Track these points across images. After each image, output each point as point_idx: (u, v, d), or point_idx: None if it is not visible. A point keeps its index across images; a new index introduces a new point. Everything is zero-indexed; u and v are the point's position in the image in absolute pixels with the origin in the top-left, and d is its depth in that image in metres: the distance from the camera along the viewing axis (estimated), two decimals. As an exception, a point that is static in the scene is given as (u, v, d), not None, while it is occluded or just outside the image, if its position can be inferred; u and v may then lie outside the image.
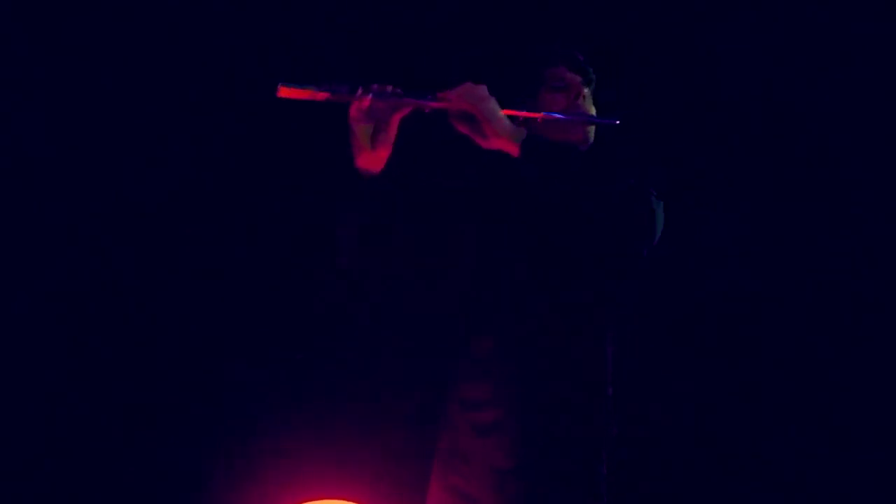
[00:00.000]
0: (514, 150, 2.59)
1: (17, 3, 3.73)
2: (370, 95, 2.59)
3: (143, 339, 3.82)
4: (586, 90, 2.76)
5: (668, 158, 3.83)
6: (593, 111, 2.77)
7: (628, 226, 2.57)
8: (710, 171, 3.88)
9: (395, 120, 2.64)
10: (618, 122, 2.73)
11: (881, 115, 3.81)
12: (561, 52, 2.77)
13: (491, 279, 2.70)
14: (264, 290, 3.84)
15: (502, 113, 2.61)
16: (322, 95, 2.57)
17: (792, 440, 3.84)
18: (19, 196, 3.74)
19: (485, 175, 2.76)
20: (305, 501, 3.63)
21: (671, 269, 3.81)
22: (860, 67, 3.79)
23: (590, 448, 2.66)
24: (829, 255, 3.83)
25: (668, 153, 3.84)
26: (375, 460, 3.77)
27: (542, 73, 2.74)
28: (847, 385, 3.82)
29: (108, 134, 3.80)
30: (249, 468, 3.78)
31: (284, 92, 2.55)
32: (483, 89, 2.62)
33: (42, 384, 3.75)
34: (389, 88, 2.61)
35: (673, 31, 3.86)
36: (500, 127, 2.59)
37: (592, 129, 2.75)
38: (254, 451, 3.79)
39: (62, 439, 3.74)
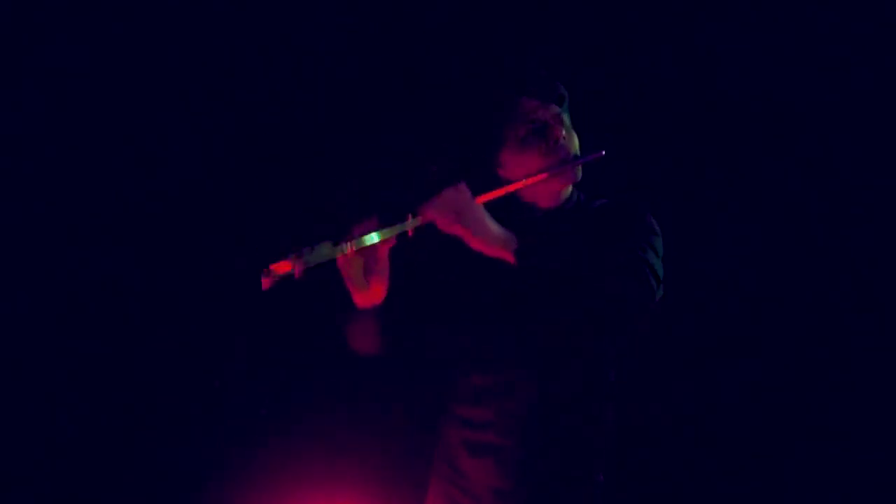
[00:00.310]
0: (508, 257, 2.53)
1: (17, 2, 3.73)
2: (352, 244, 2.53)
3: (143, 340, 3.82)
4: (564, 117, 2.70)
5: (667, 159, 3.83)
6: (574, 138, 2.71)
7: (629, 300, 2.52)
8: (709, 170, 3.87)
9: (384, 252, 2.59)
10: (603, 153, 2.67)
11: (882, 114, 3.80)
12: (526, 80, 2.70)
13: (496, 320, 2.68)
14: (265, 292, 3.83)
15: (486, 215, 2.53)
16: (304, 268, 2.49)
17: (792, 441, 3.83)
18: (19, 196, 3.74)
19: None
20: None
21: (671, 270, 3.80)
22: (860, 68, 3.79)
23: (588, 464, 2.68)
24: (829, 255, 3.83)
25: (668, 155, 3.84)
26: (374, 465, 3.77)
27: (514, 111, 2.67)
28: (847, 385, 3.81)
29: (108, 134, 3.80)
30: (249, 472, 3.78)
31: (268, 280, 2.49)
32: (463, 193, 2.54)
33: (42, 384, 3.75)
34: (368, 226, 2.55)
35: (671, 31, 3.85)
36: (490, 239, 2.52)
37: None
38: (253, 455, 3.80)
39: (62, 439, 3.74)
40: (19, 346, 3.74)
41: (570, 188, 2.77)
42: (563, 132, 2.68)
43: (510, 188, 2.64)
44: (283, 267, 2.49)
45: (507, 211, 2.63)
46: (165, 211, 3.83)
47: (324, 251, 2.53)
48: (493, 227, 2.54)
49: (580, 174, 2.71)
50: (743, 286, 3.84)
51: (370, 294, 2.60)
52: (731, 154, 3.87)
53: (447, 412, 2.75)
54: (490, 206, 2.59)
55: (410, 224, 2.55)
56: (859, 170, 3.79)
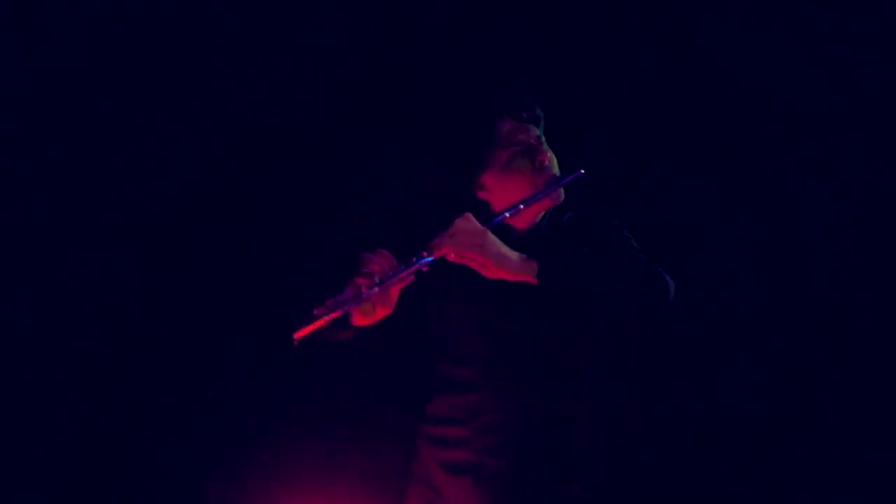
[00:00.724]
0: (531, 280, 2.55)
1: (16, 3, 3.73)
2: (375, 290, 2.52)
3: (143, 340, 3.82)
4: (544, 140, 2.72)
5: (667, 160, 3.83)
6: (554, 158, 2.72)
7: (653, 300, 2.56)
8: (708, 170, 3.87)
9: (397, 289, 2.58)
10: (583, 171, 2.69)
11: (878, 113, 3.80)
12: (505, 102, 2.72)
13: (480, 337, 2.68)
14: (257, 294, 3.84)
15: (500, 243, 2.55)
16: (333, 315, 2.50)
17: (792, 441, 3.83)
18: (19, 196, 3.74)
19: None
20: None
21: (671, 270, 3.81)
22: (857, 67, 3.79)
23: (567, 478, 2.67)
24: (829, 255, 3.83)
25: (667, 156, 3.84)
26: (364, 470, 3.77)
27: (494, 134, 2.69)
28: (847, 385, 3.81)
29: (107, 134, 3.80)
30: (247, 472, 3.78)
31: (301, 334, 2.50)
32: (473, 223, 2.56)
33: (42, 384, 3.74)
34: (386, 265, 2.54)
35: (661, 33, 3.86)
36: (511, 267, 2.54)
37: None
38: (252, 455, 3.80)
39: (62, 439, 3.74)
40: (19, 346, 3.73)
41: None
42: (548, 153, 2.70)
43: (510, 215, 2.64)
44: (311, 324, 2.51)
45: None
46: (165, 211, 3.83)
47: (347, 300, 2.54)
48: (510, 253, 2.56)
49: (563, 194, 2.72)
50: (742, 287, 3.85)
51: (371, 318, 2.60)
52: (730, 153, 3.87)
53: (421, 432, 2.75)
54: None
55: (428, 259, 2.56)
56: (859, 170, 3.79)
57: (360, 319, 2.59)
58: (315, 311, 2.51)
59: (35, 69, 3.74)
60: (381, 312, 2.59)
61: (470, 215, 2.57)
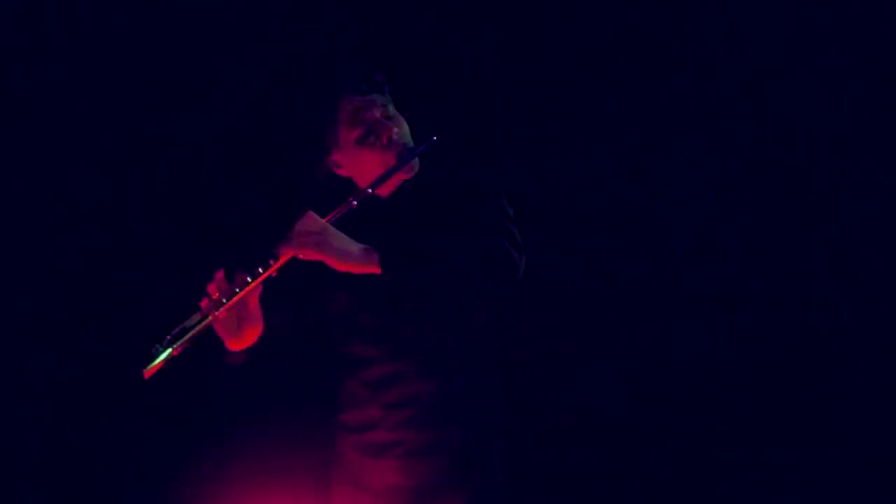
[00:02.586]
0: (375, 270, 2.59)
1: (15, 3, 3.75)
2: (223, 308, 2.58)
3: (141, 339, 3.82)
4: (389, 107, 2.76)
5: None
6: (404, 125, 2.77)
7: (492, 277, 2.58)
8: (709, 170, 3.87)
9: (254, 301, 2.64)
10: (435, 138, 2.73)
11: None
12: (346, 79, 2.77)
13: (366, 315, 2.73)
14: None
15: (342, 238, 2.60)
16: (181, 347, 2.55)
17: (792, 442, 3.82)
18: (17, 196, 3.76)
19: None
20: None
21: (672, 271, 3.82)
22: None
23: (483, 452, 2.69)
24: (826, 255, 3.81)
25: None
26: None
27: (339, 114, 2.73)
28: (847, 385, 3.79)
29: (105, 134, 3.82)
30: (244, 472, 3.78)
31: (150, 372, 2.53)
32: (314, 222, 2.60)
33: (41, 385, 3.76)
34: (224, 284, 2.58)
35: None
36: (353, 260, 2.59)
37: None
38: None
39: (60, 440, 3.75)
40: (19, 345, 3.74)
41: None
42: (395, 128, 2.74)
43: (356, 199, 2.68)
44: (161, 358, 2.54)
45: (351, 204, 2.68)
46: (164, 210, 3.84)
47: (193, 325, 2.58)
48: (352, 247, 2.61)
49: (418, 164, 2.77)
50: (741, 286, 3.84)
51: (244, 338, 2.66)
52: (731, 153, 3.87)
53: (338, 424, 2.78)
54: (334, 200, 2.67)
55: (273, 267, 2.61)
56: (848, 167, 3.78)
57: (233, 343, 2.64)
58: (162, 345, 2.55)
59: (30, 69, 3.76)
60: (252, 331, 2.65)
61: (312, 214, 2.63)
